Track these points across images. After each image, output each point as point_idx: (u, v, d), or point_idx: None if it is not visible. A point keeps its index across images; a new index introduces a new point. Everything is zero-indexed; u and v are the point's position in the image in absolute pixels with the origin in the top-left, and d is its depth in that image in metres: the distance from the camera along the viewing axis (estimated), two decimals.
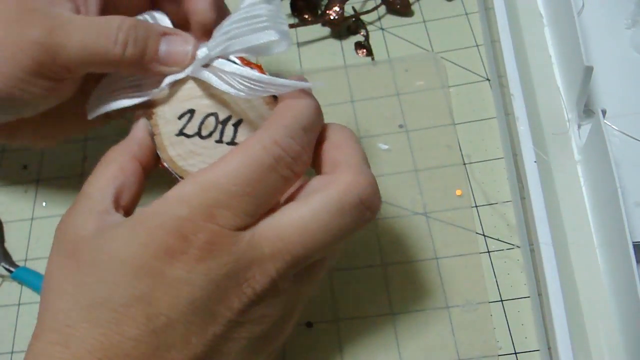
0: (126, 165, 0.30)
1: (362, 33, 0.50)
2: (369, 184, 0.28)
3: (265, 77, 0.29)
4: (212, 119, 0.31)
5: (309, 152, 0.29)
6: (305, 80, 0.29)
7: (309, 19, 0.51)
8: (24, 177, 0.48)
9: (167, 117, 0.31)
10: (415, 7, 0.51)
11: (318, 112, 0.29)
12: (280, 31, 0.29)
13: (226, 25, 0.30)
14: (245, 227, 0.27)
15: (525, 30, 0.45)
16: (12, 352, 0.41)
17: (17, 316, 0.42)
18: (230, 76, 0.30)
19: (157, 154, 0.32)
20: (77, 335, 0.25)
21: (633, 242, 0.32)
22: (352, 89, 0.48)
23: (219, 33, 0.31)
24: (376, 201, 0.29)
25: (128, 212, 0.30)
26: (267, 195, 0.27)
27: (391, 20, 0.51)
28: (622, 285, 0.33)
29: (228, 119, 0.31)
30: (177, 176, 0.31)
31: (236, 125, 0.31)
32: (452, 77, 0.47)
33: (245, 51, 0.30)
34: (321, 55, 0.50)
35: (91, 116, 0.33)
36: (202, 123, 0.31)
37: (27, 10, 0.30)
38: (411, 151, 0.44)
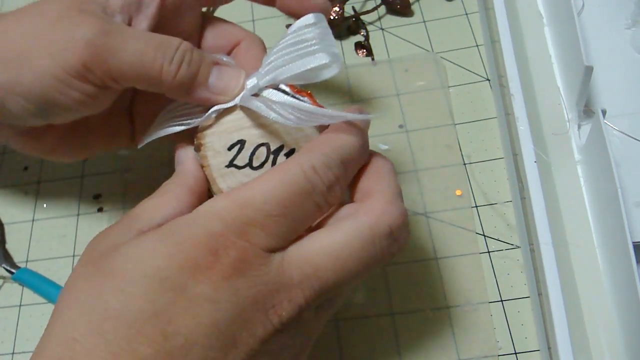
0: (182, 196, 0.29)
1: (362, 33, 0.50)
2: (400, 215, 0.27)
3: (314, 108, 0.28)
4: (263, 149, 0.30)
5: (344, 185, 0.28)
6: (362, 112, 0.28)
7: None
8: (24, 178, 0.48)
9: (216, 149, 0.30)
10: (415, 7, 0.51)
11: (362, 149, 0.29)
12: (330, 53, 0.28)
13: (274, 52, 0.29)
14: (276, 250, 0.26)
15: (525, 30, 0.45)
16: (13, 353, 0.41)
17: (18, 317, 0.42)
18: (280, 106, 0.28)
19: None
20: (82, 352, 0.23)
21: (633, 242, 0.32)
22: (352, 89, 0.48)
23: (267, 61, 0.30)
24: (405, 234, 0.28)
25: None
26: (300, 220, 0.26)
27: (391, 20, 0.51)
28: (622, 285, 0.33)
29: (280, 148, 0.30)
30: None
31: (288, 155, 0.30)
32: (452, 77, 0.47)
33: (294, 79, 0.29)
34: None
35: (141, 145, 0.32)
36: (253, 154, 0.30)
37: (80, 10, 0.29)
38: (411, 151, 0.44)
